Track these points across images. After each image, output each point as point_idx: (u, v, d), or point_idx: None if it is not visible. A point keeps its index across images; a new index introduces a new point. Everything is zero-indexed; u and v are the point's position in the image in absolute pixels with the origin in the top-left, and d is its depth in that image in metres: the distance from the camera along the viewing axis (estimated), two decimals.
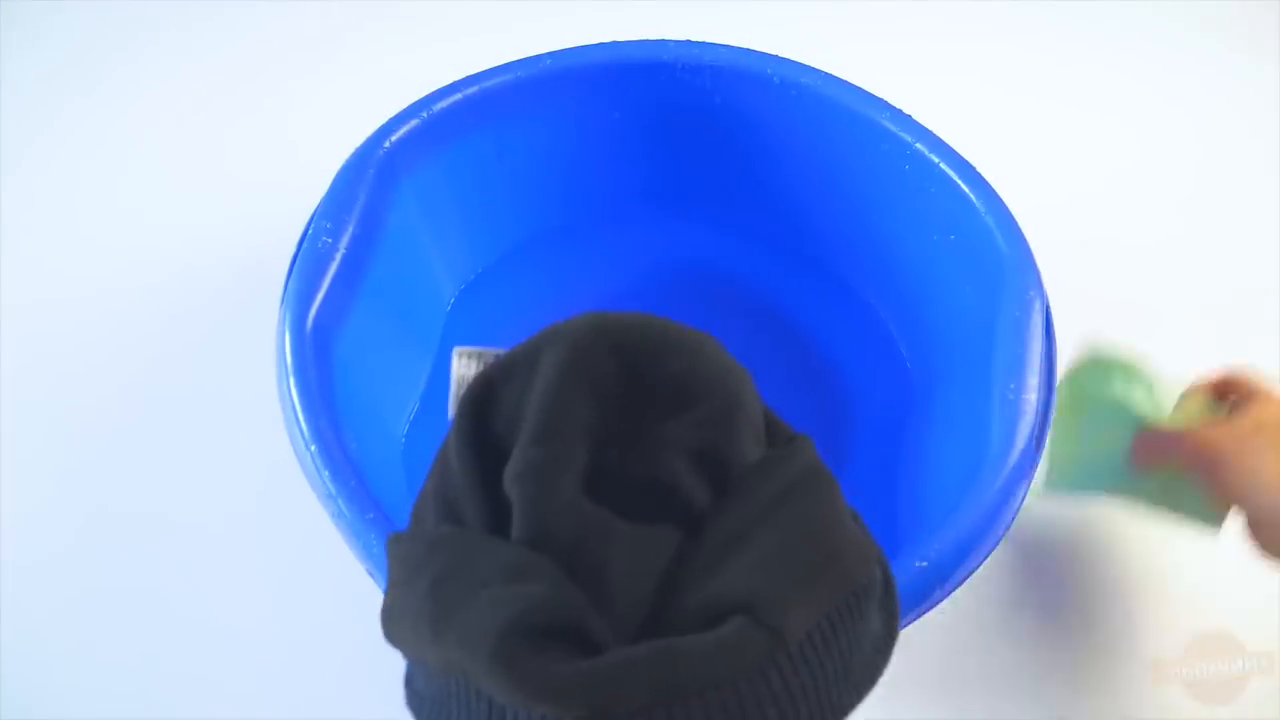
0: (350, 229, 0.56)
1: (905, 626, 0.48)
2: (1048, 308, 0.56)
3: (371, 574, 0.48)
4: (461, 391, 0.39)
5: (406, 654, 0.34)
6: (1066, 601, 0.62)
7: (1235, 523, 0.52)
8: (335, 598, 0.60)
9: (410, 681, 0.35)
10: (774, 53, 0.63)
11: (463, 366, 0.42)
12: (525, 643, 0.29)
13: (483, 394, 0.35)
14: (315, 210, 0.57)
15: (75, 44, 0.83)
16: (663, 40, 0.64)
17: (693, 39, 0.64)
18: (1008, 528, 0.50)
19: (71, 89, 0.81)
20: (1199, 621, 0.60)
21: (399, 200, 0.60)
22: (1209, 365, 0.57)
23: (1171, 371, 0.56)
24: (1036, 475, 0.53)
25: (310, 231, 0.56)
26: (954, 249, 0.60)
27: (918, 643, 0.50)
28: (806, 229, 0.69)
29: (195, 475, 0.65)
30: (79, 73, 0.82)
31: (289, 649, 0.60)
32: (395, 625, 0.34)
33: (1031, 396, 0.52)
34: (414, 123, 0.60)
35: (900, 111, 0.61)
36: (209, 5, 0.85)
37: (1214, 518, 0.53)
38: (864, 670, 0.34)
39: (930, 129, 0.60)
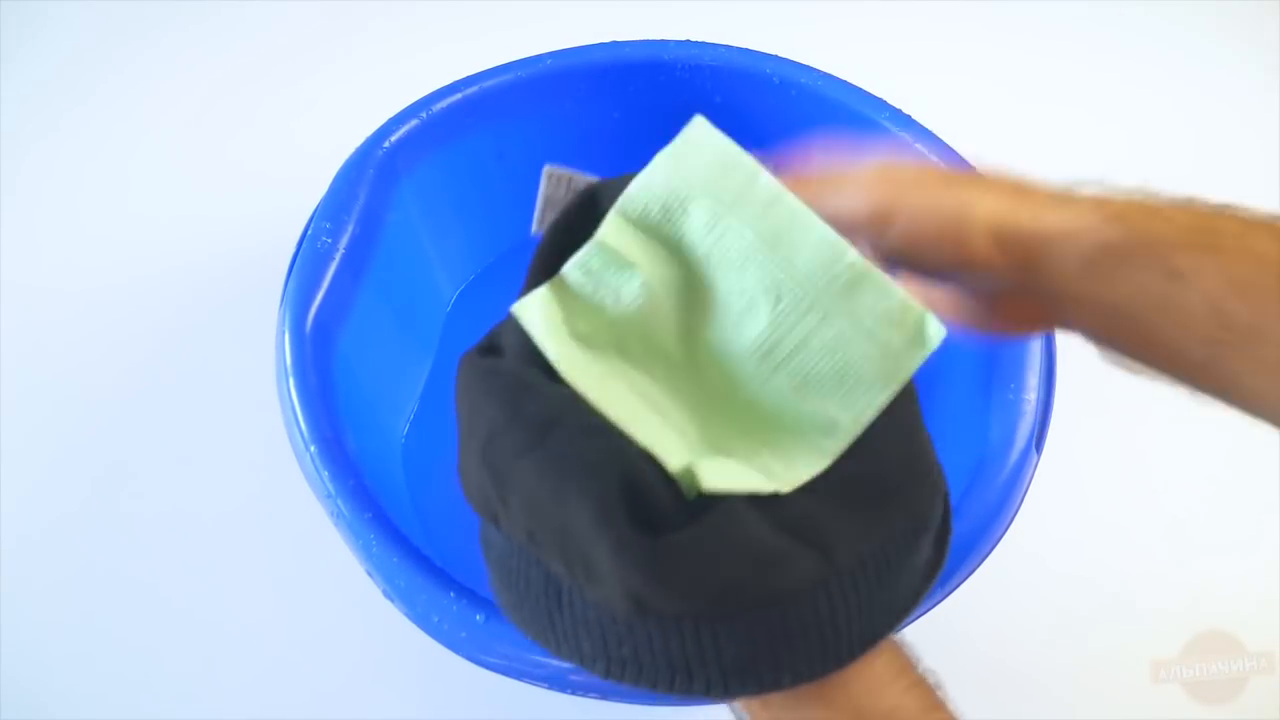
0: (350, 229, 0.56)
1: (905, 626, 0.48)
2: None
3: (370, 574, 0.48)
4: (546, 210, 0.39)
5: (479, 513, 0.34)
6: (1067, 602, 0.62)
7: None
8: (334, 597, 0.60)
9: (483, 528, 0.36)
10: (774, 53, 0.63)
11: (551, 186, 0.41)
12: (591, 514, 0.29)
13: (583, 202, 0.35)
14: (315, 210, 0.57)
15: (82, 42, 0.83)
16: (663, 40, 0.64)
17: (693, 39, 0.64)
18: (1007, 528, 0.50)
19: (79, 88, 0.81)
20: (1199, 621, 0.60)
21: (399, 200, 0.60)
22: None
23: None
24: None
25: (310, 231, 0.56)
26: None
27: (917, 643, 0.50)
28: None
29: (194, 474, 0.65)
30: (86, 71, 0.82)
31: (288, 648, 0.60)
32: (465, 485, 0.34)
33: (1031, 396, 0.52)
34: (414, 123, 0.60)
35: (900, 111, 0.61)
36: (212, 6, 0.85)
37: None
38: (909, 597, 0.34)
39: (930, 129, 0.60)
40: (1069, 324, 0.34)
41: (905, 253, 0.33)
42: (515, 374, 0.32)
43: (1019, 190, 0.33)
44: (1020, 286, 0.33)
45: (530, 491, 0.30)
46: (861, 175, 0.34)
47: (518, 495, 0.31)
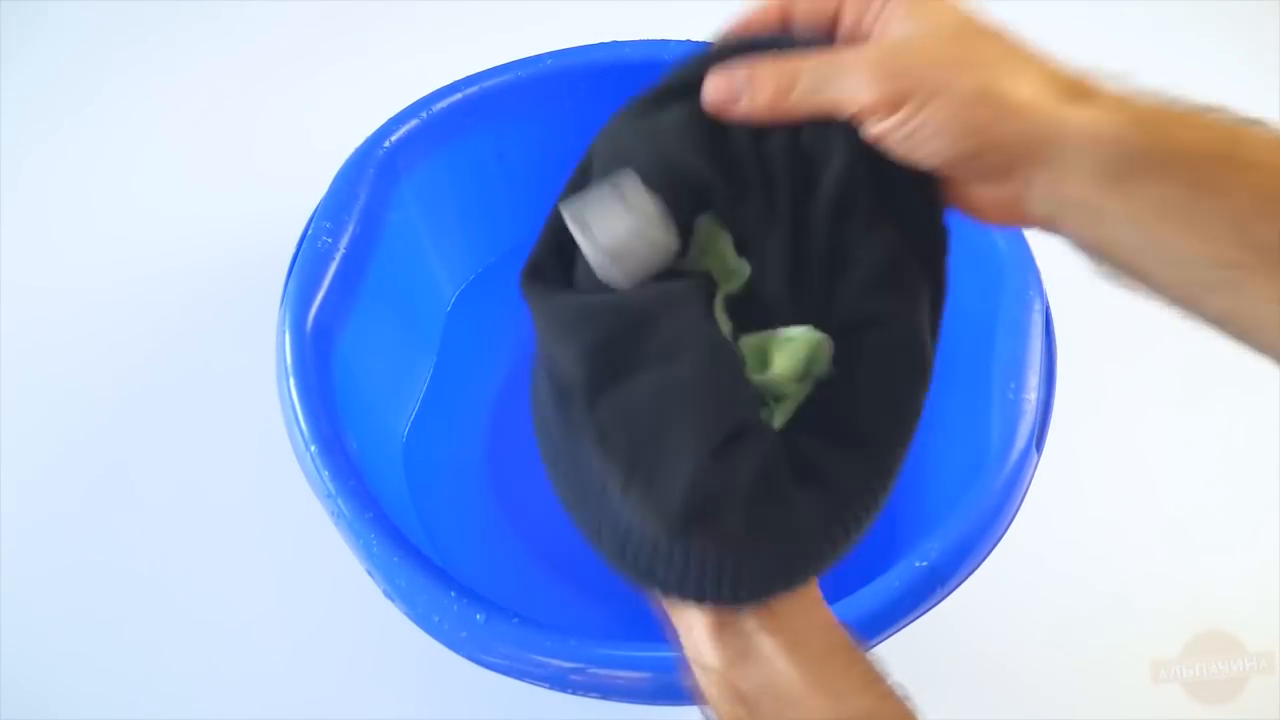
0: (350, 229, 0.56)
1: (905, 626, 0.48)
2: (1047, 308, 0.56)
3: (371, 573, 0.48)
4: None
5: (548, 382, 0.34)
6: (1067, 602, 0.62)
7: None
8: (334, 597, 0.60)
9: (536, 384, 0.36)
10: None
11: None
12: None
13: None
14: (315, 210, 0.57)
15: (84, 44, 0.83)
16: (663, 40, 0.64)
17: (693, 39, 0.64)
18: (1007, 528, 0.50)
19: (81, 89, 0.81)
20: (1199, 621, 0.60)
21: (399, 200, 0.60)
22: (1208, 360, 0.57)
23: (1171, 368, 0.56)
24: None
25: (310, 231, 0.56)
26: (952, 248, 0.60)
27: (918, 643, 0.50)
28: None
29: (194, 473, 0.65)
30: (88, 73, 0.82)
31: (288, 647, 0.60)
32: (547, 365, 0.34)
33: (1031, 396, 0.52)
34: (414, 123, 0.60)
35: None
36: (213, 8, 0.85)
37: None
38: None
39: None
40: (1060, 230, 0.32)
41: (903, 143, 0.31)
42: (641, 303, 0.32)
43: (1039, 75, 0.31)
44: (1020, 184, 0.31)
45: (635, 405, 0.31)
46: (868, 58, 0.31)
47: (620, 405, 0.31)
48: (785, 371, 0.32)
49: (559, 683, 0.45)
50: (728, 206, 0.33)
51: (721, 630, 0.34)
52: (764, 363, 0.33)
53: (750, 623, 0.34)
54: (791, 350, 0.32)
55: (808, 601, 0.35)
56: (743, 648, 0.34)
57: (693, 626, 0.35)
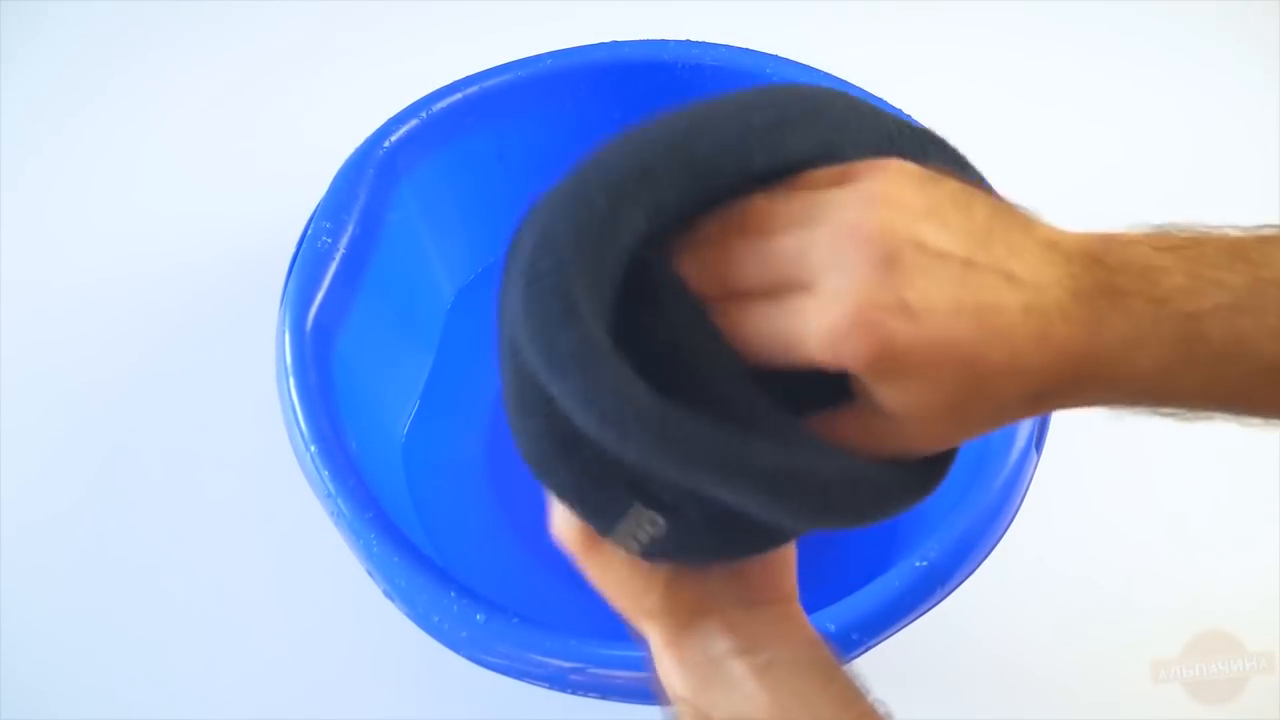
0: (350, 229, 0.56)
1: (905, 626, 0.48)
2: None
3: (371, 574, 0.48)
4: None
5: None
6: (1067, 601, 0.62)
7: None
8: (334, 597, 0.60)
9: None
10: (774, 53, 0.63)
11: None
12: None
13: None
14: (315, 210, 0.57)
15: (87, 44, 0.83)
16: (663, 40, 0.64)
17: (692, 39, 0.64)
18: (1007, 528, 0.50)
19: (83, 89, 0.81)
20: (1199, 621, 0.60)
21: (399, 200, 0.60)
22: None
23: None
24: None
25: (310, 231, 0.56)
26: None
27: (918, 643, 0.50)
28: None
29: (194, 474, 0.65)
30: (90, 73, 0.82)
31: (288, 647, 0.60)
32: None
33: None
34: (414, 123, 0.60)
35: (901, 113, 0.61)
36: (213, 8, 0.85)
37: None
38: None
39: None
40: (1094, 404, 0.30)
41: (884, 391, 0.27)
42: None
43: (1063, 279, 0.27)
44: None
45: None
46: (832, 306, 0.26)
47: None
48: None
49: (559, 683, 0.45)
50: None
51: (686, 655, 0.33)
52: None
53: (719, 645, 0.33)
54: None
55: (780, 616, 0.34)
56: (710, 673, 0.33)
57: (659, 654, 0.34)
